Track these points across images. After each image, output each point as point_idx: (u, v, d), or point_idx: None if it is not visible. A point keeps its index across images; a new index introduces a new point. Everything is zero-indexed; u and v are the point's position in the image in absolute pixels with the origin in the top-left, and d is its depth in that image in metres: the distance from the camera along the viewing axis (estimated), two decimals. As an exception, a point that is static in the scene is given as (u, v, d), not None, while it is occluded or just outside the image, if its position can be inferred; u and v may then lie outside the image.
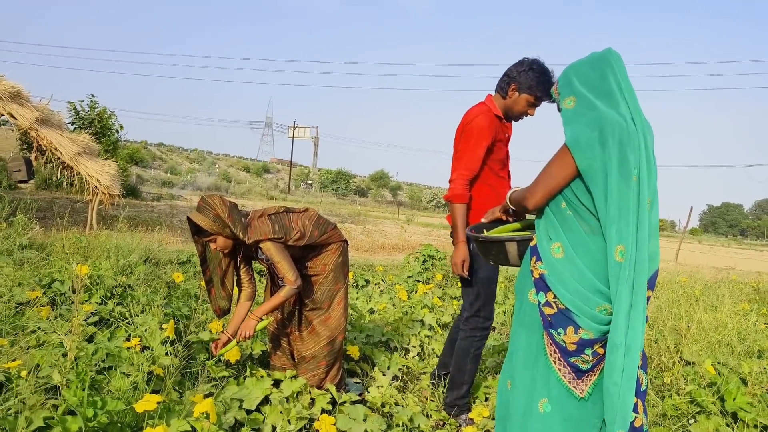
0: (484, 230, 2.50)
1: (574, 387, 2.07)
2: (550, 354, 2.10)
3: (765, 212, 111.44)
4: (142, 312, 3.88)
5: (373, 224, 23.26)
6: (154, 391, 2.72)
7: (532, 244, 2.22)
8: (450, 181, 3.08)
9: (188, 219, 2.98)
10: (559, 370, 2.08)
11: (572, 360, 2.05)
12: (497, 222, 2.51)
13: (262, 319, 2.99)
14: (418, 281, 7.26)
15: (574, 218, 2.06)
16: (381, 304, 5.55)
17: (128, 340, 3.17)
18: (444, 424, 3.16)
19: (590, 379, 2.08)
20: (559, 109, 2.18)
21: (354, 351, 3.68)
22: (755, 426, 3.07)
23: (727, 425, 3.06)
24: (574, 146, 1.99)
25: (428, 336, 4.67)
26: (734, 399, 3.23)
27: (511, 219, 2.47)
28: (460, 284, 3.43)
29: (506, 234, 2.41)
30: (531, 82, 2.95)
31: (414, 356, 4.23)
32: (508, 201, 2.36)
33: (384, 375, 3.70)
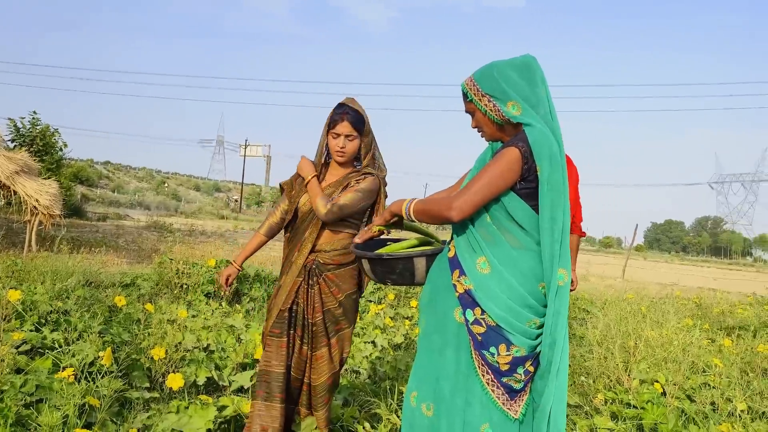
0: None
1: (508, 408, 1.98)
2: (482, 375, 1.98)
3: (704, 229, 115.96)
4: (78, 339, 3.69)
5: (325, 243, 23.05)
6: (87, 425, 2.57)
7: (449, 255, 2.06)
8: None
9: (342, 105, 2.71)
10: (493, 391, 1.98)
11: (505, 380, 1.97)
12: (377, 243, 2.32)
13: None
14: (371, 301, 7.19)
15: (499, 233, 1.95)
16: (332, 326, 5.45)
17: (63, 370, 3.00)
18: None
19: (522, 399, 2.01)
20: (492, 113, 1.99)
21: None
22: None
23: None
24: (539, 154, 1.88)
25: (379, 357, 4.60)
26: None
27: (387, 233, 2.30)
28: None
29: (415, 250, 2.21)
30: None
31: (365, 379, 4.15)
32: (409, 212, 2.06)
33: (335, 399, 3.61)
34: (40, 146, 19.68)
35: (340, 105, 2.71)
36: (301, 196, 2.80)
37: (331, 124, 2.68)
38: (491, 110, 1.99)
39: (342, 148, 2.67)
